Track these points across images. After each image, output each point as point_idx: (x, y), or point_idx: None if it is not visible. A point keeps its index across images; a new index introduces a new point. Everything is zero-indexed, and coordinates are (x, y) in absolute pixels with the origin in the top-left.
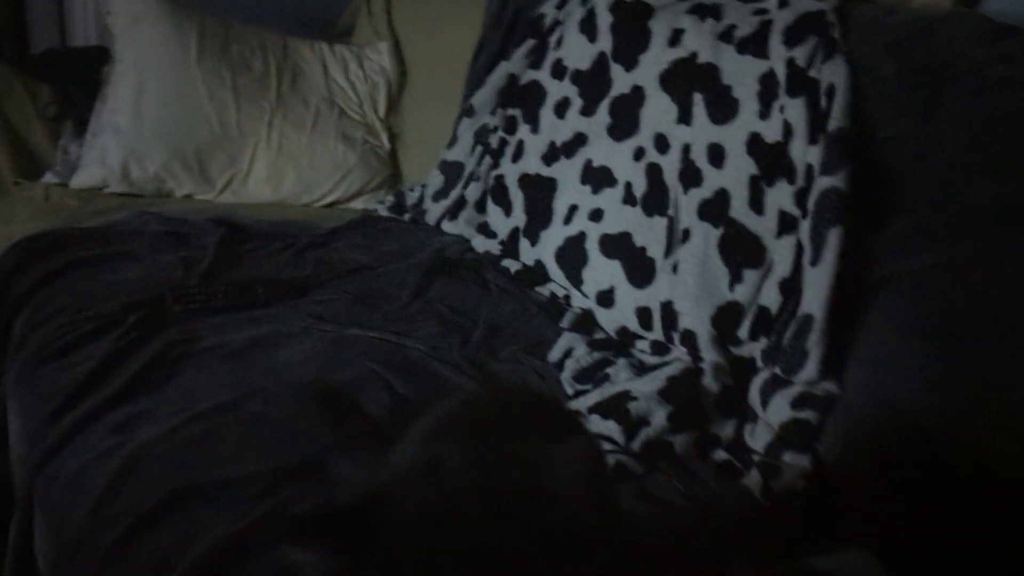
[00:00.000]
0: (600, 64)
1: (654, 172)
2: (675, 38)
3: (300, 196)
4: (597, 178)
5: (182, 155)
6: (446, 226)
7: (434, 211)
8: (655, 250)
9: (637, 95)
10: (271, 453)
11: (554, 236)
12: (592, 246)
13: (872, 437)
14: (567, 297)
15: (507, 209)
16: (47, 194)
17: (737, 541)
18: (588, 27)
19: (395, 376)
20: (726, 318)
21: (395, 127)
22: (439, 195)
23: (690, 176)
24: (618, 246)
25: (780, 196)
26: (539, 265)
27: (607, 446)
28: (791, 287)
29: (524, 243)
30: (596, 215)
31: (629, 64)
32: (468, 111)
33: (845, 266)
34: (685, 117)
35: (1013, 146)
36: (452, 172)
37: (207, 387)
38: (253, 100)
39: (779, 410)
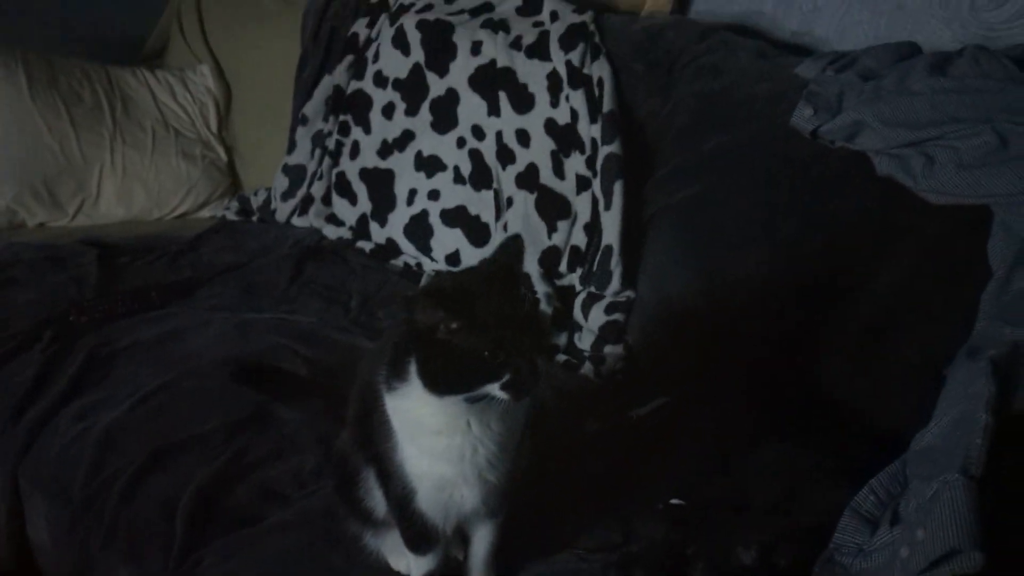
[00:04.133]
0: (416, 73)
1: (476, 156)
2: (476, 48)
3: (151, 211)
4: (429, 165)
5: (32, 186)
6: (296, 221)
7: (283, 209)
8: (487, 216)
9: (452, 96)
10: (224, 411)
11: (400, 216)
12: (435, 220)
13: (659, 323)
14: (419, 265)
15: (352, 199)
16: None
17: (585, 408)
18: (400, 43)
19: (299, 345)
20: (549, 259)
21: (229, 140)
22: (287, 195)
23: (505, 156)
24: (457, 217)
25: (575, 164)
26: (390, 242)
27: None
28: (593, 229)
29: (374, 225)
30: (434, 195)
31: (441, 71)
32: (302, 120)
33: (629, 207)
34: (494, 111)
35: (723, 110)
36: (296, 174)
37: (142, 375)
38: (91, 128)
39: (597, 317)
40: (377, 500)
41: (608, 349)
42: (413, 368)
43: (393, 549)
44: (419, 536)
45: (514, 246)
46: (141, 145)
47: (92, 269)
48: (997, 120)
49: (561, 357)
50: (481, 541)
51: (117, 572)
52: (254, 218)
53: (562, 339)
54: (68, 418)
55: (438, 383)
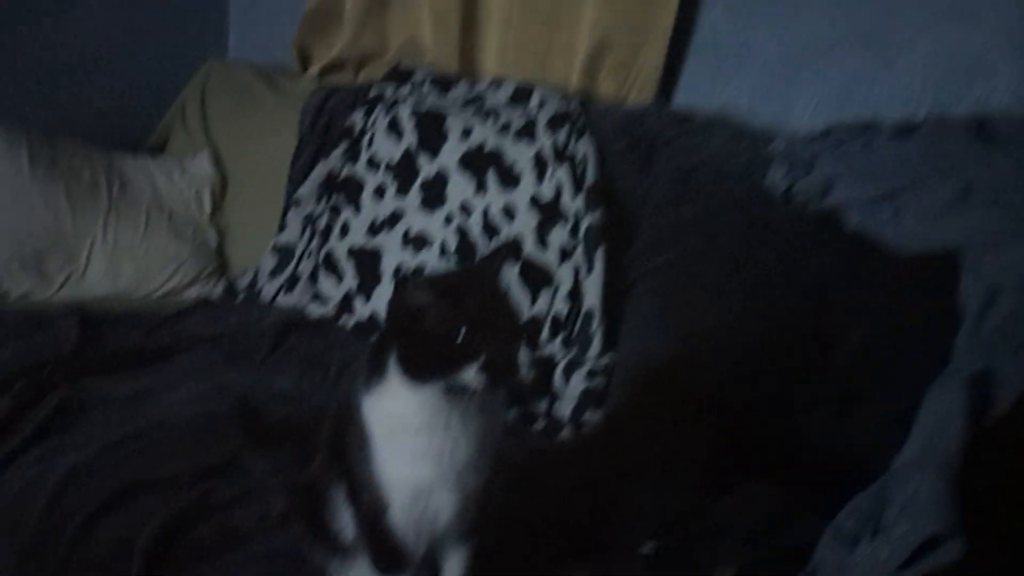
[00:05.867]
0: (408, 157)
1: (462, 232)
2: (466, 133)
3: (137, 288)
4: (415, 243)
5: (21, 256)
6: (281, 300)
7: (270, 288)
8: None
9: (441, 177)
10: (192, 459)
11: (385, 291)
12: None
13: (640, 383)
14: None
15: (339, 277)
16: None
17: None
18: (394, 129)
19: (271, 405)
20: (530, 328)
21: (222, 223)
22: (274, 273)
23: (490, 230)
24: None
25: (559, 235)
26: (373, 318)
27: None
28: (575, 296)
29: (358, 301)
30: (419, 270)
31: (433, 154)
32: (295, 203)
33: (609, 274)
34: (481, 189)
35: (694, 185)
36: (285, 253)
37: (112, 425)
38: (86, 205)
39: (578, 383)
40: (345, 521)
41: (588, 416)
42: (392, 361)
43: None
44: (388, 558)
45: (503, 251)
46: (134, 224)
47: (72, 332)
48: (961, 172)
49: (539, 425)
50: (452, 572)
51: None
52: (239, 299)
53: (542, 406)
54: (30, 460)
55: (417, 368)
